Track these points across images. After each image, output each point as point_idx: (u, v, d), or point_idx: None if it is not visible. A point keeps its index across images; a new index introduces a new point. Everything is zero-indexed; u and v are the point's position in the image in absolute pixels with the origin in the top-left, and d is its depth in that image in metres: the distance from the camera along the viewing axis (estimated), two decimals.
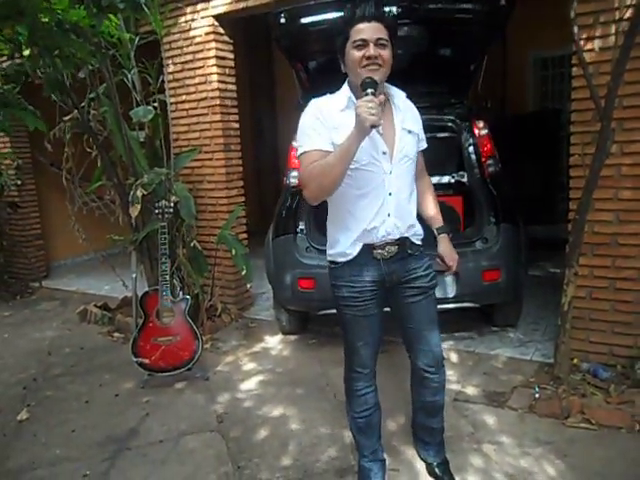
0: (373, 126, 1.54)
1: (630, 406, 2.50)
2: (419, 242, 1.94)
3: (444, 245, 2.06)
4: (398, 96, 1.90)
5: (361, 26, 1.67)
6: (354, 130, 1.58)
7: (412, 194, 1.91)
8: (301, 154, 1.78)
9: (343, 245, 1.85)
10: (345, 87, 1.84)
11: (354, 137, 1.58)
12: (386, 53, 1.69)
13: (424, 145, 2.00)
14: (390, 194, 1.79)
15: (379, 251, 1.84)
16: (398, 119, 1.83)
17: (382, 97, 1.64)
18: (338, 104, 1.79)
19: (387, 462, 2.19)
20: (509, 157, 3.86)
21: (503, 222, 3.30)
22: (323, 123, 1.75)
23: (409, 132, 1.84)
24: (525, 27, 5.60)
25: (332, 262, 1.93)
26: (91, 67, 3.54)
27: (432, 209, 2.09)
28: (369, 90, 1.58)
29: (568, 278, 2.72)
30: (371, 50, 1.66)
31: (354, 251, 1.84)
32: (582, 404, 2.55)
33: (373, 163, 1.76)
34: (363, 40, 1.67)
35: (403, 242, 1.86)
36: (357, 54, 1.69)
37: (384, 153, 1.77)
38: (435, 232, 2.07)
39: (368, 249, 1.83)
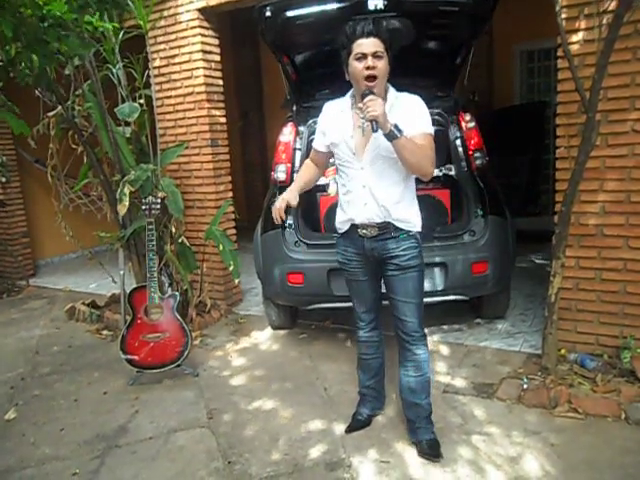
0: (373, 120, 1.92)
1: (616, 395, 2.54)
2: (404, 227, 2.18)
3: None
4: (392, 98, 2.13)
5: (360, 41, 1.99)
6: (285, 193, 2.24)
7: (391, 188, 2.14)
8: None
9: (338, 221, 2.32)
10: (348, 94, 2.22)
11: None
12: (382, 64, 2.01)
13: (423, 130, 2.07)
14: (364, 186, 2.14)
15: (363, 231, 2.20)
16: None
17: (381, 98, 2.01)
18: (337, 108, 2.23)
19: (376, 454, 2.19)
20: (496, 150, 3.88)
21: (490, 215, 3.31)
22: (324, 123, 2.27)
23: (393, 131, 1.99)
24: (511, 20, 5.63)
25: (336, 234, 2.40)
26: (76, 63, 3.50)
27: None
28: (370, 95, 1.96)
29: (555, 269, 2.74)
30: (369, 62, 1.98)
31: (344, 227, 2.28)
32: (569, 394, 2.58)
33: (348, 161, 2.18)
34: (362, 53, 1.99)
35: (385, 226, 2.16)
36: (358, 65, 2.01)
37: (353, 153, 2.15)
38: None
39: (354, 228, 2.23)
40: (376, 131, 1.96)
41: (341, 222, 2.29)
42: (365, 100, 1.94)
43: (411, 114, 2.09)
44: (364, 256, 2.26)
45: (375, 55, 1.99)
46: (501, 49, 6.45)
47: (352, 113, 2.17)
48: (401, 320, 2.25)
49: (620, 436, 2.34)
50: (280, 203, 2.17)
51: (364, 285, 2.35)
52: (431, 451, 2.27)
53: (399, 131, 1.96)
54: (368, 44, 1.98)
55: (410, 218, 2.20)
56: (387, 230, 2.17)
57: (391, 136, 1.95)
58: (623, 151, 2.65)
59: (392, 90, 2.17)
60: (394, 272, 2.22)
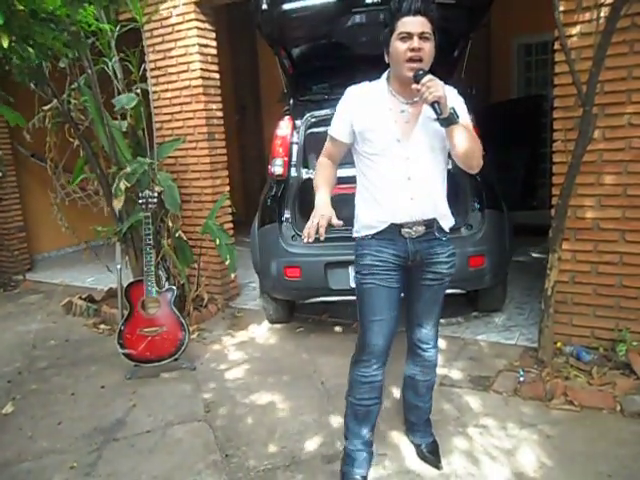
0: (435, 102, 1.70)
1: (612, 387, 2.55)
2: (446, 226, 1.99)
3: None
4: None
5: (407, 19, 1.76)
6: (317, 200, 1.87)
7: (436, 182, 1.94)
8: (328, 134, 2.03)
9: (366, 220, 1.96)
10: (383, 78, 1.94)
11: (319, 199, 1.88)
12: (428, 46, 1.78)
13: (468, 121, 1.90)
14: (409, 179, 1.87)
15: (406, 230, 1.91)
16: (425, 111, 1.85)
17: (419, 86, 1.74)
18: (370, 93, 1.93)
19: (374, 447, 2.20)
20: (492, 144, 3.87)
21: (487, 208, 3.32)
22: (347, 110, 1.94)
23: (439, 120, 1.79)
24: (508, 13, 5.62)
25: (358, 236, 2.01)
26: (70, 57, 3.48)
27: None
28: (427, 76, 1.72)
29: (551, 263, 2.75)
30: (415, 43, 1.75)
31: (379, 226, 1.92)
32: (565, 386, 2.59)
33: (388, 149, 1.87)
34: (408, 33, 1.75)
35: (431, 224, 1.93)
36: (402, 46, 1.77)
37: (398, 140, 1.86)
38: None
39: (396, 227, 1.91)
40: (441, 114, 1.72)
41: (375, 221, 1.93)
42: (424, 80, 1.70)
43: (457, 104, 1.87)
44: (405, 260, 1.94)
45: (422, 36, 1.76)
46: (499, 42, 6.44)
47: (390, 97, 1.91)
48: (420, 328, 2.09)
49: (615, 428, 2.36)
50: (320, 220, 1.76)
51: (394, 295, 1.97)
52: (432, 456, 2.22)
53: (457, 116, 1.76)
54: (415, 23, 1.75)
55: (450, 216, 2.02)
56: (431, 229, 1.94)
57: (450, 120, 1.75)
58: (620, 144, 2.65)
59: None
60: (433, 281, 1.99)
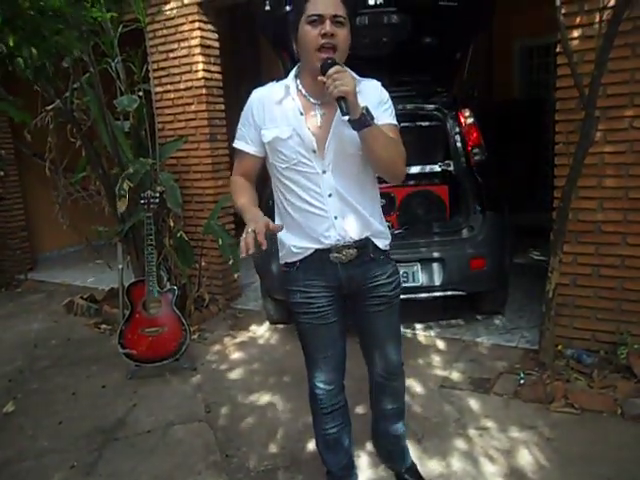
0: (340, 98, 1.42)
1: (612, 390, 2.55)
2: (385, 247, 1.76)
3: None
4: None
5: None
6: (246, 216, 1.53)
7: (362, 193, 1.68)
8: (234, 146, 1.73)
9: (287, 247, 1.72)
10: (291, 75, 1.67)
11: (246, 218, 1.53)
12: (343, 33, 1.51)
13: (391, 121, 1.65)
14: (330, 195, 1.62)
15: (335, 254, 1.66)
16: (338, 111, 1.52)
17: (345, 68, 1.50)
18: (276, 95, 1.65)
19: (372, 447, 2.20)
20: (495, 146, 3.88)
21: (489, 210, 3.32)
22: (254, 117, 1.64)
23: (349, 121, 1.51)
24: (511, 15, 5.62)
25: (285, 265, 1.78)
26: (74, 56, 3.49)
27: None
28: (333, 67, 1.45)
29: (552, 265, 2.75)
30: (327, 27, 1.48)
31: (303, 253, 1.69)
32: (566, 389, 2.59)
33: (303, 162, 1.60)
34: (319, 15, 1.48)
35: (364, 244, 1.69)
36: (312, 31, 1.50)
37: (314, 151, 1.60)
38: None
39: (323, 253, 1.67)
40: (347, 114, 1.44)
41: (297, 248, 1.68)
42: (330, 71, 1.43)
43: (377, 101, 1.62)
44: (337, 289, 1.72)
45: (335, 20, 1.48)
46: (501, 45, 6.45)
47: (300, 98, 1.62)
48: (385, 359, 1.87)
49: (616, 431, 2.36)
50: (257, 227, 1.41)
51: (335, 329, 1.77)
52: (414, 479, 2.08)
53: (371, 117, 1.48)
54: (326, 3, 1.48)
55: (385, 230, 1.77)
56: (366, 250, 1.69)
57: (362, 122, 1.46)
58: (622, 147, 2.65)
59: (351, 72, 1.58)
60: (379, 306, 1.76)
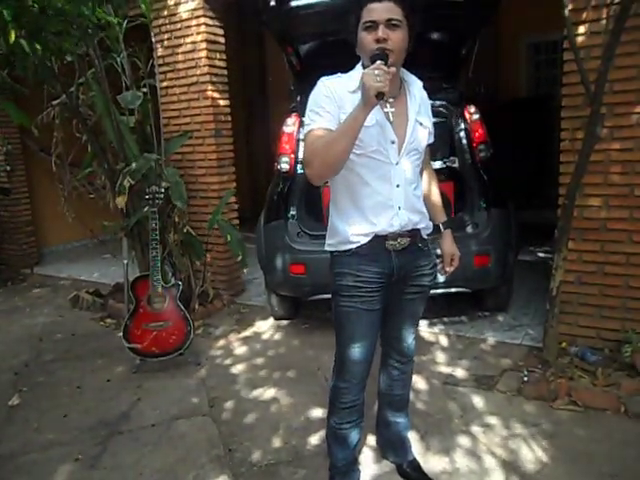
0: (379, 95, 1.42)
1: (616, 388, 2.54)
2: (427, 237, 1.86)
3: (448, 243, 1.97)
4: (415, 84, 1.78)
5: (372, 6, 1.57)
6: (360, 101, 1.48)
7: (418, 187, 1.81)
8: (307, 132, 1.65)
9: (344, 234, 1.74)
10: (358, 67, 1.72)
11: (360, 109, 1.48)
12: (397, 35, 1.57)
13: (432, 139, 1.86)
14: (398, 186, 1.69)
15: (391, 242, 1.73)
16: (412, 109, 1.71)
17: (393, 69, 1.54)
18: (349, 85, 1.66)
19: (375, 442, 2.20)
20: (500, 143, 3.87)
21: (494, 207, 3.31)
22: (332, 102, 1.63)
23: (421, 124, 1.73)
24: (517, 12, 5.59)
25: (335, 252, 1.81)
26: (78, 52, 3.50)
27: (438, 201, 2.01)
28: (378, 61, 1.48)
29: (557, 263, 2.74)
30: (380, 32, 1.54)
31: (362, 240, 1.72)
32: (569, 387, 2.59)
33: (380, 151, 1.66)
34: (373, 22, 1.56)
35: (415, 234, 1.78)
36: (367, 37, 1.58)
37: (392, 142, 1.67)
38: (441, 227, 1.97)
39: (380, 240, 1.72)
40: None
41: (357, 234, 1.72)
42: (373, 66, 1.46)
43: (431, 118, 1.81)
44: (388, 277, 1.77)
45: (389, 24, 1.55)
46: (507, 41, 6.42)
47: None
48: (401, 343, 1.96)
49: (619, 429, 2.35)
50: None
51: (376, 317, 1.81)
52: (416, 473, 2.11)
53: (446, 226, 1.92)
54: (380, 9, 1.55)
55: (431, 224, 1.88)
56: (415, 239, 1.79)
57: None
58: (628, 144, 2.63)
59: (413, 76, 1.78)
60: (415, 294, 1.86)
